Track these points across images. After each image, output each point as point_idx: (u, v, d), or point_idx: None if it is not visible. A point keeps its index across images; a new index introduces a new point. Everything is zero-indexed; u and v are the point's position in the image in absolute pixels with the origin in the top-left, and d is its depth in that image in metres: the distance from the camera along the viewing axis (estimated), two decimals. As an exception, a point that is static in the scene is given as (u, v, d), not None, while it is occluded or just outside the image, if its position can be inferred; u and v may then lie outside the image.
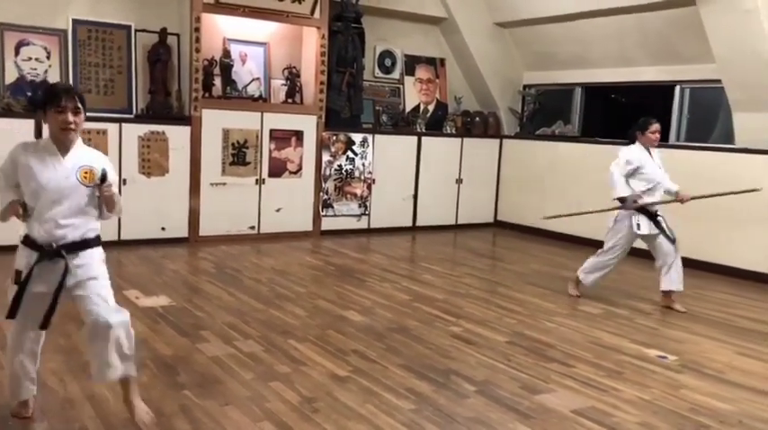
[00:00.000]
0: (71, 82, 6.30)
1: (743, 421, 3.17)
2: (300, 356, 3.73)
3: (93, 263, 2.68)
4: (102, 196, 2.64)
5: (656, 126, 5.04)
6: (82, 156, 2.67)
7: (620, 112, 8.73)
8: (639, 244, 5.25)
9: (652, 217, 5.00)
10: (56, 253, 2.58)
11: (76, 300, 2.68)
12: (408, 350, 3.92)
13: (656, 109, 7.63)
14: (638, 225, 4.97)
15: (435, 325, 4.43)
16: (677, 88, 7.20)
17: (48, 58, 6.29)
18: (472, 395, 3.32)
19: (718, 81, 6.39)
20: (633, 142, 5.11)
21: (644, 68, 7.40)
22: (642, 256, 6.90)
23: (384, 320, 4.48)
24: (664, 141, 7.28)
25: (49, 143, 2.63)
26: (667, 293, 5.06)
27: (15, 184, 2.62)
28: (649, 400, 3.35)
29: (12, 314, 2.62)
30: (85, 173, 2.62)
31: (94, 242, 2.71)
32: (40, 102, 2.64)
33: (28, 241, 2.63)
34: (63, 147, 2.62)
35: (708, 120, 7.18)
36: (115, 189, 2.73)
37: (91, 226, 2.69)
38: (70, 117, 2.55)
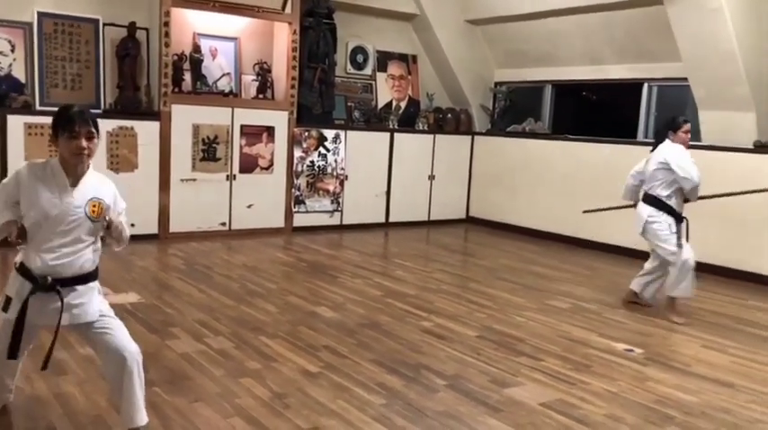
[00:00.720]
0: (36, 76, 6.20)
1: (706, 412, 3.24)
2: (271, 352, 3.72)
3: (90, 303, 2.55)
4: (109, 232, 2.54)
5: (688, 125, 4.84)
6: (91, 186, 2.51)
7: (590, 110, 8.85)
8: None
9: (680, 220, 4.80)
10: (51, 287, 2.45)
11: (88, 335, 2.58)
12: (379, 345, 3.93)
13: (624, 107, 7.76)
14: (670, 225, 4.76)
15: (407, 320, 4.45)
16: (645, 86, 7.31)
17: (12, 51, 6.17)
18: (442, 389, 3.34)
19: (685, 79, 6.50)
20: (661, 141, 4.85)
21: (612, 66, 7.50)
22: (614, 252, 7.04)
23: (355, 316, 4.48)
24: (631, 138, 7.44)
25: (59, 168, 2.46)
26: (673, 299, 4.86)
27: (15, 203, 2.46)
28: (616, 393, 3.41)
29: (12, 354, 2.49)
30: (94, 206, 2.48)
31: (92, 275, 2.58)
32: (52, 124, 2.48)
33: (23, 269, 2.49)
34: (73, 173, 2.47)
35: (675, 118, 7.30)
36: (123, 218, 2.61)
37: (89, 257, 2.55)
38: (84, 143, 2.42)
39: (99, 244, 2.59)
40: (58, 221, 2.44)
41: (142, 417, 2.57)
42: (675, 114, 5.11)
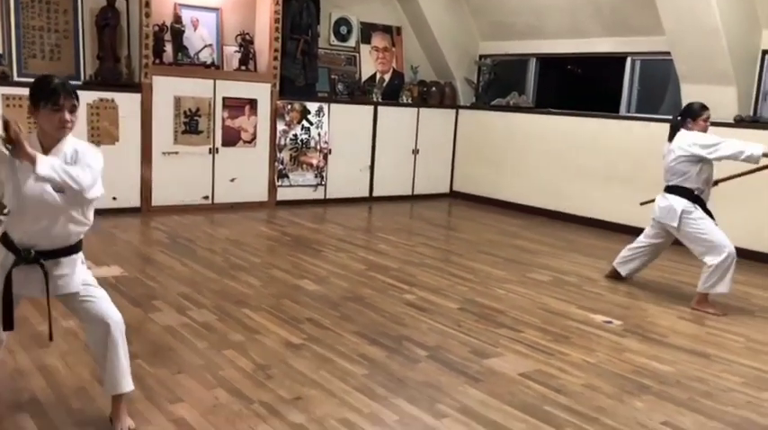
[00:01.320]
0: (14, 47, 6.09)
1: (681, 381, 3.31)
2: (254, 325, 3.74)
3: (74, 275, 2.53)
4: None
5: (708, 113, 4.58)
6: (62, 152, 2.44)
7: (574, 84, 8.86)
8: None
9: (709, 214, 4.59)
10: (34, 259, 2.43)
11: (72, 305, 2.58)
12: (362, 317, 3.97)
13: (608, 81, 7.78)
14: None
15: (389, 293, 4.49)
16: (628, 60, 7.32)
17: (-11, 20, 6.06)
18: (423, 360, 3.39)
19: (668, 53, 6.52)
20: (678, 130, 4.60)
21: (597, 40, 7.50)
22: (595, 226, 7.11)
23: (339, 289, 4.51)
24: (614, 113, 7.47)
25: (35, 141, 2.40)
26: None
27: None
28: (594, 363, 3.48)
29: (8, 325, 2.48)
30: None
31: (72, 249, 2.54)
32: (31, 95, 2.40)
33: (5, 240, 2.47)
34: (50, 145, 2.41)
35: (657, 93, 7.34)
36: (88, 174, 2.40)
37: (73, 230, 2.51)
38: (68, 116, 2.37)
39: (87, 216, 2.55)
40: (37, 193, 2.38)
41: (127, 383, 2.58)
42: (693, 101, 4.79)
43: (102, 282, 4.33)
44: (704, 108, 4.61)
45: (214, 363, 3.19)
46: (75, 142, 2.50)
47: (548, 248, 6.12)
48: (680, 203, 4.53)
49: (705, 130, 4.58)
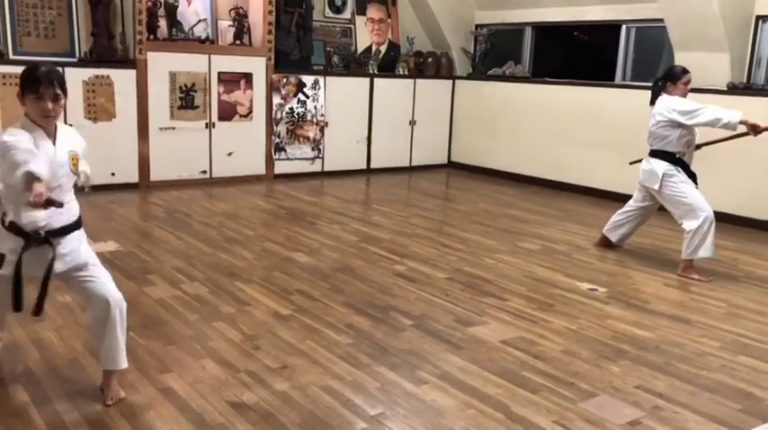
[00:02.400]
0: (8, 25, 6.13)
1: (659, 346, 3.40)
2: (245, 297, 3.84)
3: (80, 247, 2.65)
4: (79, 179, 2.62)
5: (689, 76, 4.57)
6: (67, 140, 2.57)
7: (569, 53, 8.82)
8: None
9: (692, 176, 4.62)
10: (44, 240, 2.52)
11: (75, 284, 2.68)
12: (351, 288, 4.06)
13: (604, 50, 7.75)
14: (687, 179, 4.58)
15: (380, 264, 4.58)
16: (623, 28, 7.29)
17: (-18, -1, 6.09)
18: (408, 328, 3.48)
19: (661, 20, 6.49)
20: (660, 94, 4.62)
21: (592, 8, 7.46)
22: (591, 195, 7.16)
23: (330, 261, 4.60)
24: (610, 80, 7.46)
25: (34, 126, 2.47)
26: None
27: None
28: (575, 330, 3.56)
29: (18, 306, 2.56)
30: (73, 159, 2.55)
31: (77, 224, 2.65)
32: (20, 82, 2.48)
33: (13, 227, 2.52)
34: (48, 131, 2.51)
35: (652, 60, 7.31)
36: (86, 164, 2.65)
37: (74, 208, 2.63)
38: (49, 105, 2.44)
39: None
40: (51, 178, 2.42)
41: (123, 360, 2.69)
42: (676, 65, 4.78)
43: (99, 257, 4.44)
44: (685, 71, 4.62)
45: (204, 335, 3.29)
46: (68, 132, 2.64)
47: (541, 217, 6.18)
48: (661, 167, 4.58)
49: (685, 94, 4.60)
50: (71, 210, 2.61)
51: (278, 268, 4.39)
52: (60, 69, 2.60)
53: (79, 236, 2.67)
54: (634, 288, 4.31)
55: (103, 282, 2.67)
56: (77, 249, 2.63)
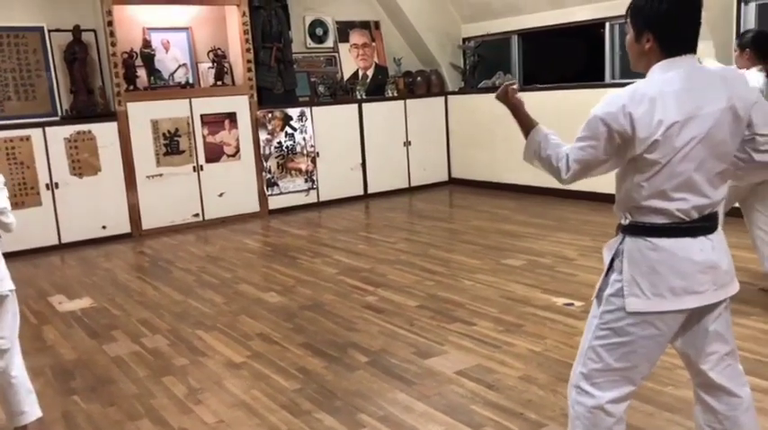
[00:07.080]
0: (-16, 92, 6.26)
1: (628, 363, 3.17)
2: (203, 346, 3.75)
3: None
4: None
5: None
6: None
7: (557, 57, 8.60)
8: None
9: None
10: None
11: None
12: (315, 327, 3.94)
13: (591, 50, 7.54)
14: None
15: (351, 297, 4.45)
16: (607, 25, 7.08)
17: (-40, 69, 6.23)
18: (362, 367, 3.34)
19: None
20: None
21: (575, 9, 7.27)
22: (593, 200, 6.91)
23: (301, 298, 4.49)
24: (599, 81, 7.23)
25: None
26: None
27: None
28: (539, 352, 3.37)
29: None
30: None
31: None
32: None
33: None
34: None
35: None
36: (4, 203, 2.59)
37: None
38: None
39: None
40: None
41: (33, 412, 2.72)
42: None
43: (69, 315, 4.47)
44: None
45: (149, 392, 3.20)
46: None
47: (534, 230, 5.97)
48: None
49: None
50: None
51: (245, 311, 4.30)
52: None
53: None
54: (614, 299, 4.08)
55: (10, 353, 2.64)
56: None
